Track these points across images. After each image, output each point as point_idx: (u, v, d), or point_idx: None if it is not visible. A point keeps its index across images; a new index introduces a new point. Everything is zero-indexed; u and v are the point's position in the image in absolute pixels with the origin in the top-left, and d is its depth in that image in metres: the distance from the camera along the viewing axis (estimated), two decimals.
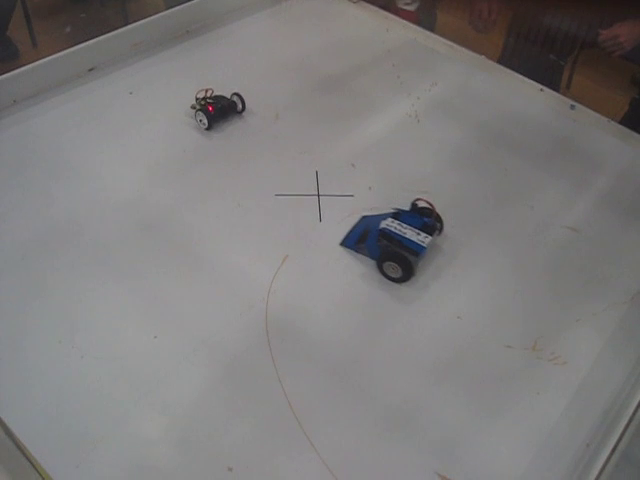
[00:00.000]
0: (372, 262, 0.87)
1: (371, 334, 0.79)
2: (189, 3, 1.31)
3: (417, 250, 0.82)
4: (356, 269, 0.86)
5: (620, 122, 1.22)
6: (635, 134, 1.16)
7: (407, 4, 1.53)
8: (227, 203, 0.93)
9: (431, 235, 0.84)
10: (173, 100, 1.12)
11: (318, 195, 0.95)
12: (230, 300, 0.81)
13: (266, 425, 0.69)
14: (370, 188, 0.97)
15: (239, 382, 0.73)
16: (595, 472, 0.66)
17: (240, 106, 1.09)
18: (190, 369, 0.73)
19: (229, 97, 1.09)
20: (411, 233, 0.84)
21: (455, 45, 1.34)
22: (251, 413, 0.70)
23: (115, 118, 1.07)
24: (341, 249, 0.89)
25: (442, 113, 1.15)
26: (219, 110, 1.06)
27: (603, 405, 0.74)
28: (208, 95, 1.08)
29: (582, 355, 0.80)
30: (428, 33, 1.38)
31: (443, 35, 1.38)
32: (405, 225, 0.85)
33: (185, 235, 0.88)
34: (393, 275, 0.85)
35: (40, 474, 0.63)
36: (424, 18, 1.69)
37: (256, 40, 1.31)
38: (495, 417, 0.73)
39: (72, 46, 1.16)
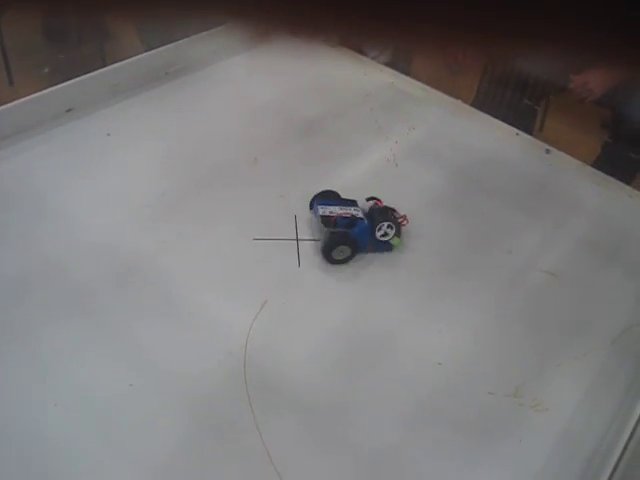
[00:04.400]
0: (351, 306, 0.87)
1: (351, 381, 0.78)
2: (168, 46, 1.31)
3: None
4: (335, 314, 0.86)
5: (593, 165, 1.24)
6: (609, 178, 1.18)
7: (376, 56, 1.55)
8: (205, 247, 0.93)
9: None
10: (151, 142, 1.11)
11: (297, 239, 0.94)
12: (208, 347, 0.80)
13: (245, 476, 0.68)
14: None
15: (216, 432, 0.71)
16: None
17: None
18: (166, 419, 0.72)
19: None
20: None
21: (431, 89, 1.36)
22: (229, 464, 0.68)
23: (93, 160, 1.06)
24: (320, 293, 0.88)
25: (420, 157, 1.16)
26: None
27: (587, 452, 0.74)
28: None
29: (564, 401, 0.79)
30: (405, 77, 1.40)
31: (419, 78, 1.40)
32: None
33: (162, 280, 0.87)
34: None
35: None
36: (399, 61, 1.71)
37: (235, 83, 1.31)
38: (477, 466, 0.72)
39: (50, 86, 1.15)
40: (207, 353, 0.79)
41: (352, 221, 0.92)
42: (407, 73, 1.44)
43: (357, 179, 1.08)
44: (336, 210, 0.93)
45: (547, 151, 1.22)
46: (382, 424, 0.74)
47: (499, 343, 0.85)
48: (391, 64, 1.49)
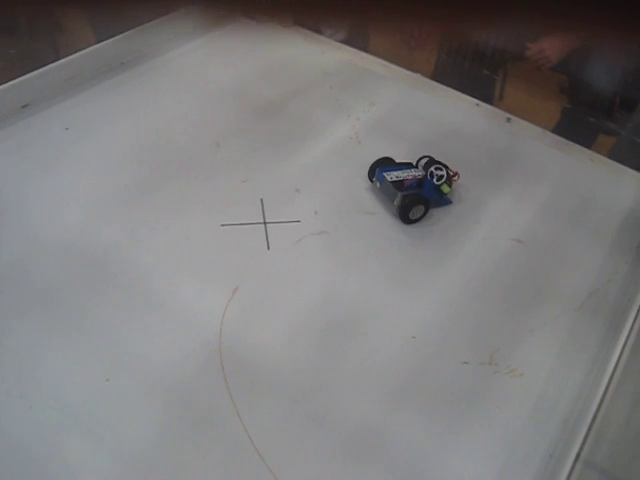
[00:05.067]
0: (322, 284, 0.87)
1: (328, 360, 0.79)
2: (121, 35, 1.29)
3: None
4: (307, 294, 0.86)
5: (553, 131, 1.26)
6: (570, 143, 1.20)
7: (332, 34, 1.54)
8: (173, 236, 0.92)
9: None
10: (111, 134, 1.10)
11: (265, 223, 0.94)
12: (182, 336, 0.79)
13: (228, 463, 0.68)
14: (316, 212, 0.97)
15: (197, 421, 0.71)
16: None
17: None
18: (145, 411, 0.71)
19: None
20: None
21: (390, 64, 1.36)
22: (211, 452, 0.68)
23: (53, 155, 1.04)
24: (291, 275, 0.88)
25: (382, 133, 1.16)
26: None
27: (563, 413, 0.75)
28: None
29: (538, 365, 0.81)
30: (363, 54, 1.40)
31: (377, 54, 1.40)
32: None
33: (131, 271, 0.87)
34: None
35: None
36: (356, 38, 1.71)
37: (192, 69, 1.30)
38: (457, 434, 0.73)
39: (3, 83, 1.13)
40: (182, 342, 0.78)
41: (419, 181, 0.97)
42: (365, 49, 1.44)
43: (321, 158, 1.08)
44: (400, 174, 0.98)
45: (508, 120, 1.23)
46: (362, 401, 0.75)
47: (471, 312, 0.86)
48: (348, 41, 1.49)
